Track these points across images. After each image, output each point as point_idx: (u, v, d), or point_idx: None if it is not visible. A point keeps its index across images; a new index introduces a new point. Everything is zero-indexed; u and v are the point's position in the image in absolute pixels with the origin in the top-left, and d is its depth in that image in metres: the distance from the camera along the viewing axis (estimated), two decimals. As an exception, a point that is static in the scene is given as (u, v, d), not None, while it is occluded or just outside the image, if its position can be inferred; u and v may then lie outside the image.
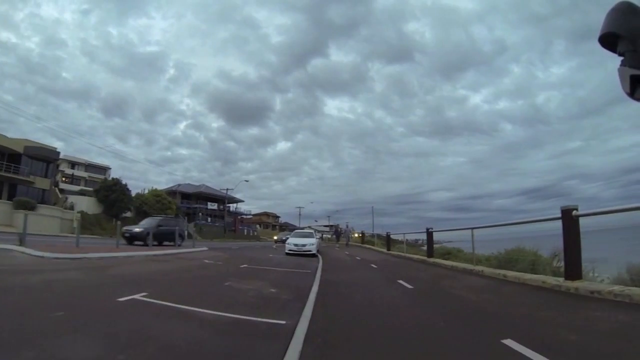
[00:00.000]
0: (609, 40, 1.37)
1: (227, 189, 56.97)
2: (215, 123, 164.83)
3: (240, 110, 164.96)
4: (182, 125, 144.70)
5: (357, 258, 18.75)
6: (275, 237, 47.87)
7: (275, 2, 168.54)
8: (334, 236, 47.05)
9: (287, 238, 23.73)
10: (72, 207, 39.32)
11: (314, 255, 19.01)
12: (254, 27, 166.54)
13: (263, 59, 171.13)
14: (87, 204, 44.68)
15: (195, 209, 62.68)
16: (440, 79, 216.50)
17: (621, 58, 1.33)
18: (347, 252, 23.90)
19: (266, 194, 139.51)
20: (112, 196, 43.81)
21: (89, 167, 69.34)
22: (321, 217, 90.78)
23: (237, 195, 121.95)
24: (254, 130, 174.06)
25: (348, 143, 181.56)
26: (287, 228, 76.90)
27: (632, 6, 1.30)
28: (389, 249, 24.79)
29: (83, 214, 39.30)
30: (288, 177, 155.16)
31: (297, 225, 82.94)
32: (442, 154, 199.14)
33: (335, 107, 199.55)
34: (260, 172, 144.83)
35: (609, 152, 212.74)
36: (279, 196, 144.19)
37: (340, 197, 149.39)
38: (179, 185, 66.55)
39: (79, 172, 66.83)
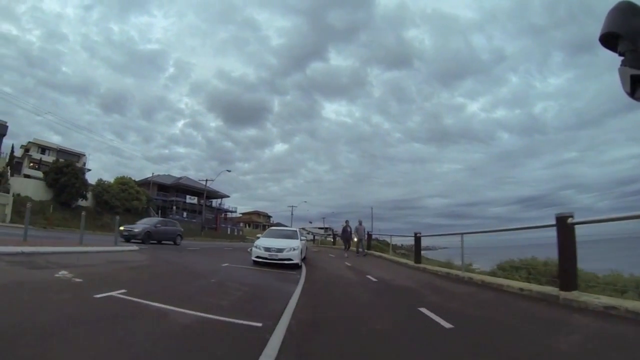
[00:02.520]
0: (609, 40, 1.35)
1: (207, 180, 49.28)
2: (213, 123, 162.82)
3: (239, 111, 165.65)
4: (180, 124, 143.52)
5: (373, 279, 9.52)
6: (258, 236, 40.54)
7: (277, 5, 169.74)
8: (337, 238, 39.11)
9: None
10: (7, 191, 31.68)
11: (295, 267, 11.89)
12: (255, 28, 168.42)
13: (263, 60, 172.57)
14: (33, 189, 37.15)
15: (172, 202, 55.15)
16: (439, 86, 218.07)
17: (621, 58, 1.32)
18: (348, 264, 14.93)
19: (262, 194, 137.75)
20: (62, 179, 36.22)
21: (61, 152, 63.81)
22: (316, 219, 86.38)
23: (234, 195, 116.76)
24: (251, 131, 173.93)
25: (345, 147, 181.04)
26: None
27: (632, 6, 1.30)
28: (418, 261, 13.66)
29: (22, 199, 31.88)
30: (284, 179, 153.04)
31: (290, 226, 77.03)
32: (438, 161, 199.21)
33: (333, 110, 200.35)
34: (257, 173, 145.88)
35: (604, 164, 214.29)
36: (275, 197, 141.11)
37: (336, 200, 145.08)
38: (157, 175, 59.12)
39: (48, 158, 61.08)
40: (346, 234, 20.94)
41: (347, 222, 21.21)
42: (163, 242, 20.38)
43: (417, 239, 14.15)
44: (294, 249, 12.16)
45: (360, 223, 20.10)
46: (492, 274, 9.12)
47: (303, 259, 14.32)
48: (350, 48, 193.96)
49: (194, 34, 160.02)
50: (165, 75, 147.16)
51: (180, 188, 57.83)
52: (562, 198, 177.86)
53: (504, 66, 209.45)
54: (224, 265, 11.48)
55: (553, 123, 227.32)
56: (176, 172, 63.67)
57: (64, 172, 36.97)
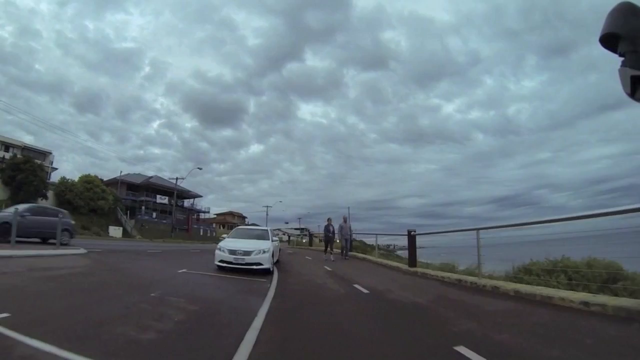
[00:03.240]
0: (609, 41, 1.35)
1: (177, 178, 46.62)
2: (189, 123, 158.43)
3: (215, 112, 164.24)
4: (155, 124, 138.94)
5: (363, 290, 7.59)
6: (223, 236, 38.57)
7: (254, 5, 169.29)
8: (316, 239, 37.05)
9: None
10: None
11: (265, 272, 10.23)
12: (232, 28, 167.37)
13: (239, 60, 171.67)
14: None
15: (142, 202, 52.25)
16: (415, 88, 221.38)
17: (622, 59, 1.32)
18: (328, 268, 12.68)
19: (238, 195, 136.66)
20: (19, 177, 33.25)
21: (26, 150, 60.24)
22: (292, 219, 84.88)
23: (209, 197, 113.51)
24: (227, 132, 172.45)
25: (320, 148, 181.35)
26: None
27: (632, 7, 1.29)
28: (413, 264, 11.59)
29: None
30: (260, 180, 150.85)
31: (265, 227, 74.83)
32: (414, 161, 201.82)
33: (309, 111, 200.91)
34: (233, 174, 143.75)
35: (577, 164, 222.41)
36: (251, 198, 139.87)
37: (312, 201, 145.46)
38: (127, 174, 56.04)
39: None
40: (329, 234, 17.57)
41: (329, 220, 18.05)
42: (36, 238, 14.17)
43: (412, 238, 11.92)
44: (264, 252, 10.47)
45: (345, 221, 17.55)
46: (518, 279, 7.48)
47: (276, 263, 12.67)
48: (326, 49, 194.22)
49: (170, 33, 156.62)
50: (140, 75, 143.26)
51: (151, 187, 54.84)
52: (536, 197, 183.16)
53: (479, 68, 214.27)
54: (180, 271, 9.65)
55: (527, 124, 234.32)
56: (151, 173, 60.61)
57: (21, 169, 33.93)
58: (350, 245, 17.74)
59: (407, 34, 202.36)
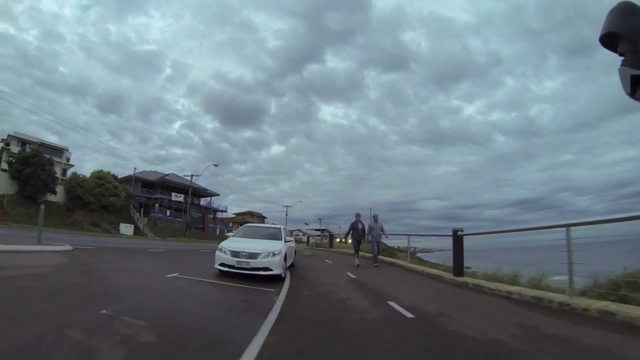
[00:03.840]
0: (609, 40, 1.36)
1: (192, 175, 45.26)
2: (210, 124, 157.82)
3: (235, 113, 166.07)
4: (177, 125, 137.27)
5: (404, 312, 5.24)
6: (227, 235, 36.92)
7: (273, 7, 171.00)
8: (337, 240, 33.65)
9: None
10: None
11: (276, 279, 8.24)
12: (252, 30, 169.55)
13: (259, 62, 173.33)
14: (4, 183, 33.19)
15: (156, 200, 51.12)
16: (435, 89, 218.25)
17: (622, 58, 1.32)
18: (352, 276, 10.28)
19: (259, 196, 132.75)
20: (27, 171, 32.25)
21: (42, 146, 60.44)
22: (313, 220, 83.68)
23: (230, 197, 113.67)
24: (248, 133, 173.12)
25: (341, 149, 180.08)
26: None
27: (633, 6, 1.30)
28: (460, 273, 9.21)
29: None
30: (281, 181, 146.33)
31: (285, 227, 73.15)
32: (435, 163, 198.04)
33: (329, 112, 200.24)
34: (254, 174, 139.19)
35: (600, 166, 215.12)
36: (271, 199, 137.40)
37: (332, 203, 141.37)
38: (143, 171, 55.11)
39: (28, 153, 57.27)
40: (357, 234, 13.90)
41: (358, 215, 14.19)
42: None
43: (459, 239, 9.43)
44: (274, 254, 8.43)
45: (375, 220, 13.94)
46: (619, 297, 5.18)
47: (290, 266, 10.76)
48: (346, 50, 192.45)
49: (190, 35, 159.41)
50: (162, 76, 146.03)
51: (166, 185, 53.73)
52: (558, 200, 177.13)
53: (500, 69, 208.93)
54: (169, 276, 7.72)
55: (549, 126, 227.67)
56: (168, 172, 59.91)
57: (29, 162, 33.01)
58: (379, 250, 14.05)
59: (427, 35, 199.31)
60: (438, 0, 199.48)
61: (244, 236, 10.01)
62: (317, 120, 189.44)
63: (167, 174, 56.23)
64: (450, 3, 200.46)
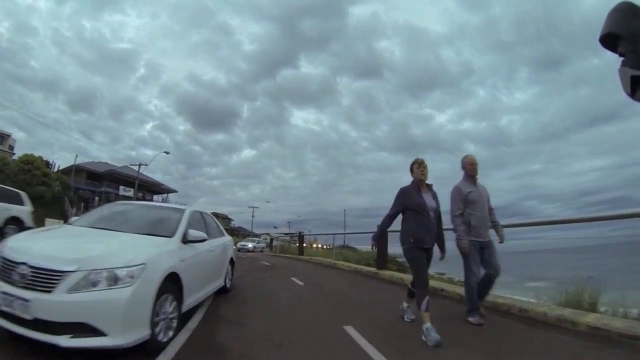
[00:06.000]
0: (609, 41, 1.33)
1: (140, 164, 38.86)
2: (182, 126, 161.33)
3: (208, 115, 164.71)
4: (148, 126, 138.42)
5: None
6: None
7: (250, 11, 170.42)
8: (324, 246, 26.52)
9: None
10: None
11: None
12: (227, 33, 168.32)
13: (234, 65, 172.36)
14: None
15: (102, 194, 44.24)
16: (407, 97, 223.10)
17: (622, 58, 1.30)
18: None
19: (229, 200, 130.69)
20: None
21: None
22: (282, 225, 79.10)
23: (200, 200, 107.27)
24: (220, 136, 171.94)
25: (312, 154, 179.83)
26: (240, 233, 66.99)
27: (632, 7, 1.27)
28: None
29: None
30: (251, 185, 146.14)
31: (250, 230, 69.73)
32: (405, 170, 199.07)
33: (301, 118, 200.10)
34: (225, 178, 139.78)
35: (567, 175, 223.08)
36: (242, 203, 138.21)
37: (302, 207, 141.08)
38: (89, 161, 48.55)
39: None
40: (424, 226, 4.20)
41: (419, 165, 4.58)
42: None
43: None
44: (117, 280, 2.90)
45: (472, 178, 4.99)
46: None
47: (219, 292, 6.19)
48: (321, 56, 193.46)
49: (166, 36, 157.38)
50: (135, 76, 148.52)
51: (115, 177, 47.18)
52: (526, 208, 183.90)
53: (472, 80, 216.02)
54: None
55: (518, 136, 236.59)
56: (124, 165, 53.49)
57: None
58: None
59: (401, 44, 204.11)
60: (414, 11, 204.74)
61: (92, 225, 4.39)
62: (289, 125, 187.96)
63: (121, 166, 49.54)
64: (425, 14, 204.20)
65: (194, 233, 4.45)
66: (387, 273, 9.23)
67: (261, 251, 33.74)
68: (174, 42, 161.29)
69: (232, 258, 7.11)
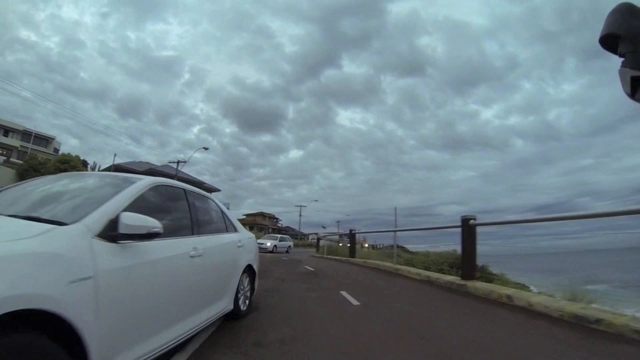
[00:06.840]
0: (609, 42, 1.31)
1: (179, 161, 37.99)
2: (228, 128, 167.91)
3: (253, 117, 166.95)
4: (195, 129, 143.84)
5: None
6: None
7: (289, 13, 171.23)
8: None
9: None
10: None
11: None
12: (268, 36, 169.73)
13: (277, 67, 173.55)
14: None
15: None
16: (452, 93, 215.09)
17: (622, 59, 1.28)
18: None
19: (277, 200, 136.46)
20: None
21: (27, 134, 57.47)
22: (330, 224, 77.26)
23: (248, 201, 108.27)
24: (266, 137, 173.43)
25: (359, 153, 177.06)
26: (287, 233, 61.99)
27: (632, 7, 1.25)
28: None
29: None
30: (299, 185, 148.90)
31: (298, 229, 69.13)
32: (452, 168, 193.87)
33: (347, 117, 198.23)
34: (272, 178, 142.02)
35: (621, 170, 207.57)
36: (289, 203, 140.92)
37: (351, 207, 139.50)
38: (130, 161, 48.54)
39: (12, 140, 55.03)
40: None
41: None
42: None
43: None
44: None
45: None
46: None
47: (233, 315, 4.31)
48: (363, 55, 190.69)
49: (208, 41, 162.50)
50: (180, 82, 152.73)
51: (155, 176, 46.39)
52: (578, 205, 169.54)
53: (517, 73, 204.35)
54: None
55: (567, 130, 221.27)
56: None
57: None
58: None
59: (442, 39, 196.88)
60: (453, 5, 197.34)
61: None
62: (335, 124, 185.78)
63: (160, 165, 49.05)
64: (465, 7, 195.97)
65: (132, 220, 2.18)
66: (478, 286, 6.33)
67: (286, 251, 28.74)
68: (216, 47, 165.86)
69: (251, 265, 4.60)
